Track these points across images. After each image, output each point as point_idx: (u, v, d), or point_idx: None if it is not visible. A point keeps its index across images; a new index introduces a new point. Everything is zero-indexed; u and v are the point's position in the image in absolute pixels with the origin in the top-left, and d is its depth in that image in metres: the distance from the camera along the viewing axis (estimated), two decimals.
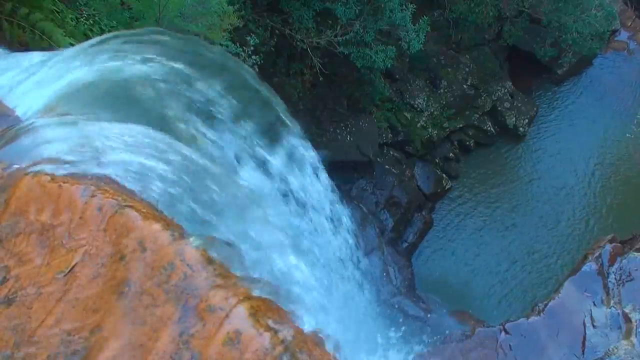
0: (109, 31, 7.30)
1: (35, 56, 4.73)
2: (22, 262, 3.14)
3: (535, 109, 16.57)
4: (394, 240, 13.08)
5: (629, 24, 18.73)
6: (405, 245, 13.48)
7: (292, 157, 6.38)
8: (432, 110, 15.04)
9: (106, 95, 4.26)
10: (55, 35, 6.22)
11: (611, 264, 8.68)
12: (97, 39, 4.94)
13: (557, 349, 7.79)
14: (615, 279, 8.50)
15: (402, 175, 14.11)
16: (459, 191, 14.94)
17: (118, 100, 4.28)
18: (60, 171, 3.36)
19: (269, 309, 3.05)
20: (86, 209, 3.19)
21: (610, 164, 15.44)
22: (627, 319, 7.95)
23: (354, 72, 12.75)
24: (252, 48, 9.35)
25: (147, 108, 4.42)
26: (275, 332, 2.89)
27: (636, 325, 7.82)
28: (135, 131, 3.88)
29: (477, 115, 15.82)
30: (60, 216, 3.20)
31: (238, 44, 9.18)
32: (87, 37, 6.96)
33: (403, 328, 10.19)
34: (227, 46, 8.62)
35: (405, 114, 14.72)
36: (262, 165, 5.89)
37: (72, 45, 6.06)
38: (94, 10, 7.52)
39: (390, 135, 14.34)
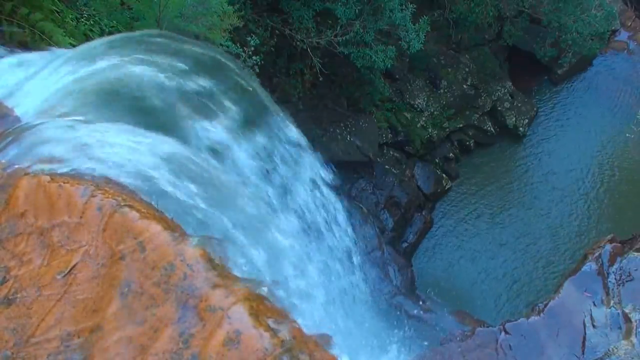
0: (109, 31, 7.31)
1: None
2: (22, 262, 3.15)
3: (535, 109, 16.57)
4: (394, 240, 13.08)
5: (629, 24, 18.73)
6: (405, 245, 13.48)
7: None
8: (432, 110, 15.04)
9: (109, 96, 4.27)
10: (55, 35, 6.21)
11: (611, 264, 8.68)
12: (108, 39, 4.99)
13: (557, 349, 7.79)
14: (615, 279, 8.50)
15: (402, 175, 14.11)
16: (459, 191, 14.94)
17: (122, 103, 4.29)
18: (60, 171, 3.37)
19: (269, 309, 3.05)
20: (86, 209, 3.19)
21: (610, 163, 15.44)
22: (627, 319, 7.95)
23: (354, 72, 12.75)
24: (252, 49, 9.35)
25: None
26: (276, 332, 2.89)
27: (636, 325, 7.82)
28: (136, 133, 3.89)
29: (477, 115, 15.82)
30: (60, 216, 3.20)
31: (238, 44, 9.19)
32: (88, 37, 6.97)
33: (403, 328, 10.19)
34: (227, 46, 8.62)
35: (405, 114, 14.72)
36: None
37: (73, 45, 6.06)
38: (94, 10, 7.52)
39: (390, 135, 14.34)
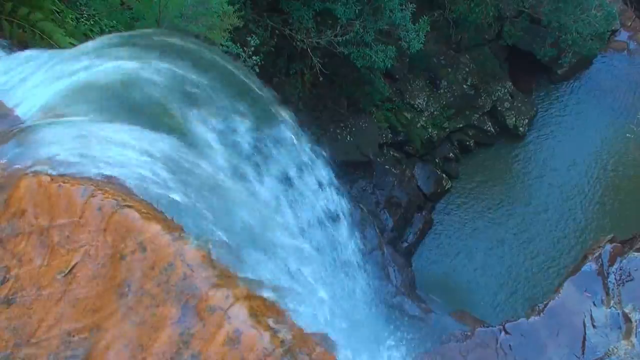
0: (109, 31, 7.31)
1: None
2: (22, 262, 3.14)
3: (535, 109, 16.57)
4: (394, 240, 13.08)
5: (629, 24, 18.72)
6: (405, 245, 13.48)
7: None
8: (432, 110, 15.04)
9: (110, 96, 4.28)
10: (55, 35, 6.21)
11: (611, 264, 8.68)
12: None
13: (557, 349, 7.79)
14: (615, 279, 8.49)
15: (402, 175, 14.11)
16: (459, 191, 14.94)
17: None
18: (60, 171, 3.37)
19: (269, 309, 3.05)
20: (86, 209, 3.19)
21: (610, 163, 15.44)
22: (627, 319, 7.95)
23: (354, 72, 12.75)
24: (252, 49, 9.34)
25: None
26: (276, 332, 2.90)
27: (636, 325, 7.82)
28: (136, 132, 3.88)
29: (477, 115, 15.82)
30: (60, 216, 3.20)
31: (238, 45, 9.18)
32: (88, 37, 6.97)
33: (403, 328, 10.19)
34: (227, 47, 8.62)
35: (405, 114, 14.72)
36: None
37: (73, 45, 6.06)
38: (94, 10, 7.52)
39: (390, 135, 14.34)
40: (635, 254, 8.81)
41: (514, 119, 16.01)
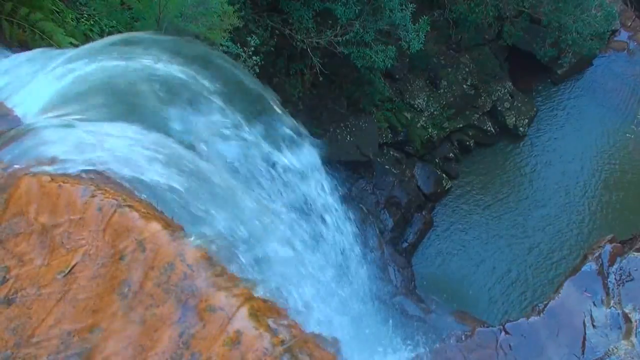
0: (109, 31, 7.31)
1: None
2: (22, 262, 3.14)
3: (535, 109, 16.57)
4: (394, 240, 13.08)
5: (629, 24, 18.71)
6: (405, 245, 13.48)
7: None
8: (432, 110, 15.04)
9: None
10: (55, 35, 6.21)
11: (611, 264, 8.67)
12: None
13: (557, 349, 7.79)
14: (615, 279, 8.49)
15: (402, 175, 14.12)
16: (459, 191, 14.94)
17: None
18: (60, 171, 3.37)
19: (269, 309, 3.05)
20: (86, 209, 3.19)
21: (610, 163, 15.44)
22: (627, 319, 7.95)
23: (354, 72, 12.75)
24: (252, 49, 9.34)
25: None
26: (276, 332, 2.89)
27: (636, 325, 7.82)
28: (135, 131, 3.89)
29: (477, 115, 15.82)
30: (60, 216, 3.20)
31: (238, 45, 9.19)
32: (87, 37, 6.97)
33: (403, 328, 10.19)
34: (227, 47, 8.62)
35: (405, 114, 14.72)
36: None
37: (73, 45, 6.06)
38: (94, 10, 7.52)
39: (390, 135, 14.35)
40: (635, 254, 8.80)
41: (514, 118, 16.01)
